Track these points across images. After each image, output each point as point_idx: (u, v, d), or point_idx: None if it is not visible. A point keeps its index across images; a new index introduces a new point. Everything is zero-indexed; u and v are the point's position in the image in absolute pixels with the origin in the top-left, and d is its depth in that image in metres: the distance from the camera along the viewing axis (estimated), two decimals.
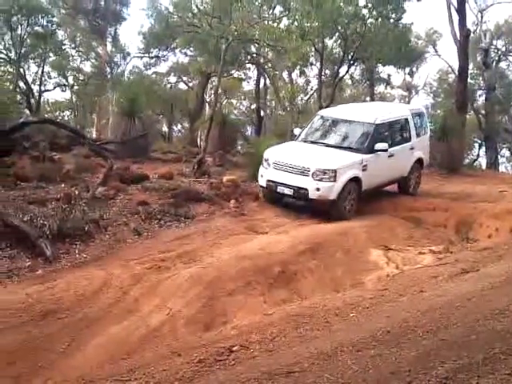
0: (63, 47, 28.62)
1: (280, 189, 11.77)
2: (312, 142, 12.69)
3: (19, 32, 24.47)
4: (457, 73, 23.45)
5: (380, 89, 34.44)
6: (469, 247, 10.22)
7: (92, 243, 9.18)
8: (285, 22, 21.10)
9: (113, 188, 11.70)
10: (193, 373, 4.93)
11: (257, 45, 23.51)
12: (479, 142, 31.05)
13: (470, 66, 25.95)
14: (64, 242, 8.92)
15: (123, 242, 9.50)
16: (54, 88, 30.50)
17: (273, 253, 8.93)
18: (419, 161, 13.91)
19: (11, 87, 23.62)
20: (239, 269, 8.20)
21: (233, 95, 35.97)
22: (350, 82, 31.20)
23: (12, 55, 25.64)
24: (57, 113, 32.14)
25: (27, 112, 23.95)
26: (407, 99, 35.95)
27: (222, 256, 8.80)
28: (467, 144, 24.34)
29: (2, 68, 26.91)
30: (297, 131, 13.71)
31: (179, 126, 37.76)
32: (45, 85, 29.29)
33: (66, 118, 32.11)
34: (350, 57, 22.79)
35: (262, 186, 12.37)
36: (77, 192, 10.77)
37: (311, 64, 25.00)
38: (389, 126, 13.00)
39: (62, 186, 11.40)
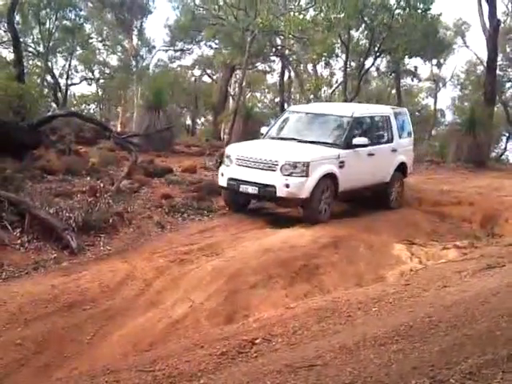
0: (90, 41, 28.95)
1: (243, 188, 10.33)
2: (282, 139, 11.34)
3: (47, 26, 24.77)
4: (485, 64, 23.15)
5: (407, 81, 34.15)
6: (494, 242, 10.09)
7: (116, 236, 9.28)
8: (311, 13, 20.97)
9: (137, 181, 11.83)
10: (216, 365, 4.94)
11: (282, 37, 23.44)
12: (507, 135, 30.57)
13: (499, 58, 25.56)
14: (89, 234, 9.02)
15: (147, 234, 9.59)
16: (81, 81, 30.98)
17: (295, 246, 8.91)
18: (402, 167, 12.33)
19: (39, 81, 23.97)
20: (261, 262, 8.20)
21: (257, 88, 35.94)
22: (375, 74, 30.95)
23: (40, 49, 25.97)
24: (83, 106, 32.48)
25: (54, 105, 24.25)
26: (434, 91, 35.59)
27: (244, 249, 8.81)
28: (494, 137, 23.95)
29: (31, 62, 27.31)
30: (264, 130, 12.21)
31: (203, 119, 37.93)
32: (71, 78, 29.79)
33: (91, 112, 32.43)
34: (376, 48, 22.54)
35: (222, 187, 10.98)
36: (102, 185, 10.85)
37: (336, 56, 24.78)
38: (368, 121, 11.76)
39: (88, 179, 11.55)
